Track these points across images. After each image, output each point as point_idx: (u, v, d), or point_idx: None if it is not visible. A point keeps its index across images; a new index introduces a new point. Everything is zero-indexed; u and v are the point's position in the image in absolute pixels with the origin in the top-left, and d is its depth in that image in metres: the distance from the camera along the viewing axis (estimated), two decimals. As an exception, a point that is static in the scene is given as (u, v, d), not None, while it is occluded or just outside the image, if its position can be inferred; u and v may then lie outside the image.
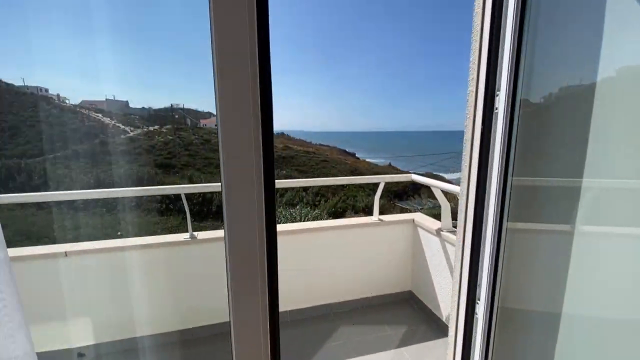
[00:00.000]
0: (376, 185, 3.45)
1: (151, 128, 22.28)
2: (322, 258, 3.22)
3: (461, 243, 1.65)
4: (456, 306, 1.59)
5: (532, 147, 1.26)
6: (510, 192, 1.31)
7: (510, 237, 1.37)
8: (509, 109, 1.24)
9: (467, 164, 1.55)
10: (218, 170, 0.94)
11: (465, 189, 1.57)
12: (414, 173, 3.49)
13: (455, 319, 1.59)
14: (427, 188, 3.38)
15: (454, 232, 2.97)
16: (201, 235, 2.77)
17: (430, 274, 3.19)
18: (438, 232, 3.02)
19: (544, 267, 1.30)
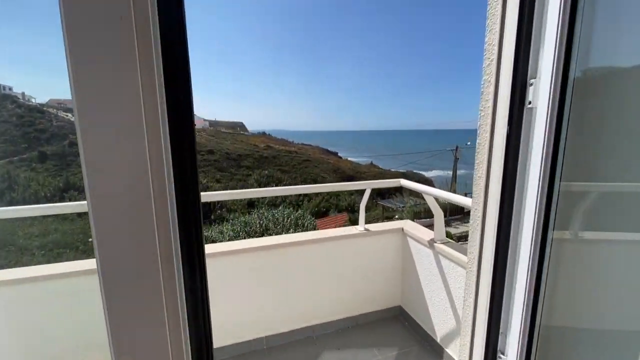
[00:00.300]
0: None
1: (125, 128, 21.45)
2: (302, 274, 2.85)
3: (476, 267, 1.30)
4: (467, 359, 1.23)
5: (593, 143, 0.92)
6: (557, 201, 0.96)
7: (557, 256, 1.03)
8: (556, 101, 0.89)
9: (483, 172, 1.21)
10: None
11: (481, 203, 1.23)
12: (401, 175, 3.16)
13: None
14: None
15: (447, 244, 2.65)
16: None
17: (422, 288, 2.87)
18: (431, 244, 2.69)
19: (615, 297, 0.96)
